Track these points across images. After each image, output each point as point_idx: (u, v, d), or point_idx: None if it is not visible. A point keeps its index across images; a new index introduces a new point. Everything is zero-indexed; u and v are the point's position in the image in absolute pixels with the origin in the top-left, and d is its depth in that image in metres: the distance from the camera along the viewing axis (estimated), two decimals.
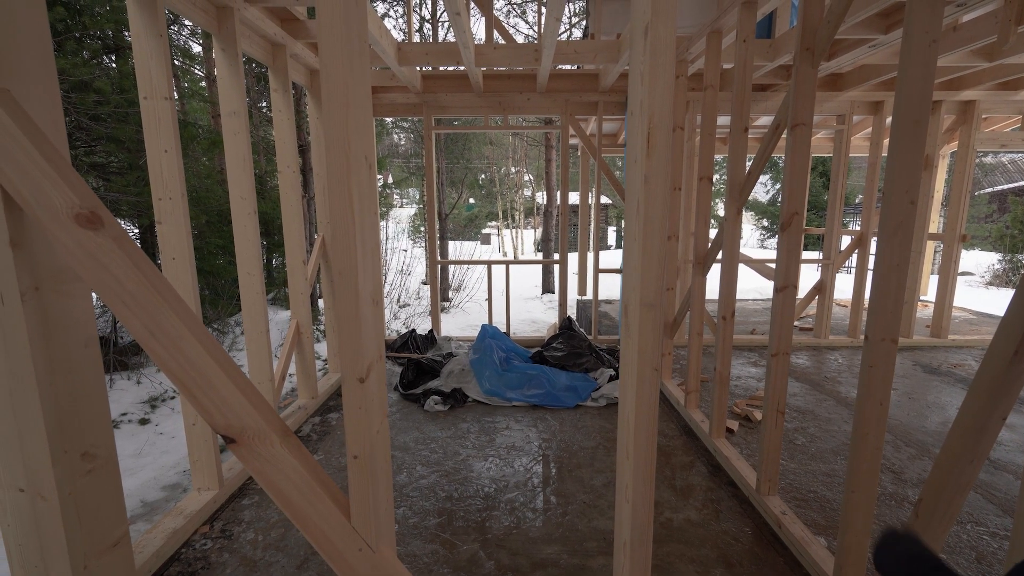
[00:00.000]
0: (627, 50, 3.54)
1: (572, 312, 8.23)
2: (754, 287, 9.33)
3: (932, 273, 8.64)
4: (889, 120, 5.33)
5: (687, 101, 3.74)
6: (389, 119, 14.57)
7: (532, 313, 8.53)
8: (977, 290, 10.60)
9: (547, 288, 10.36)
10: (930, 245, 6.95)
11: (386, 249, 10.48)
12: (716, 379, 2.94)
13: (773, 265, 5.35)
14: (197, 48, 8.30)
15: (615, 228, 22.05)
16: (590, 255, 6.06)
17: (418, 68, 4.59)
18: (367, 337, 0.97)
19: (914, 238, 5.40)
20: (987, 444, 1.21)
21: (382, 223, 12.86)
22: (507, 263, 5.52)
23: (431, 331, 5.14)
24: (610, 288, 8.90)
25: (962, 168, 5.00)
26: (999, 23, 3.15)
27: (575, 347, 4.34)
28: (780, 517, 2.27)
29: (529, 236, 21.29)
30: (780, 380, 2.33)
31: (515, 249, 16.36)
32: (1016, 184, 14.06)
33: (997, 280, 11.03)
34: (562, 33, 10.47)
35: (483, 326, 4.45)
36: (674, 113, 3.81)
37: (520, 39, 11.60)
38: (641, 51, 1.10)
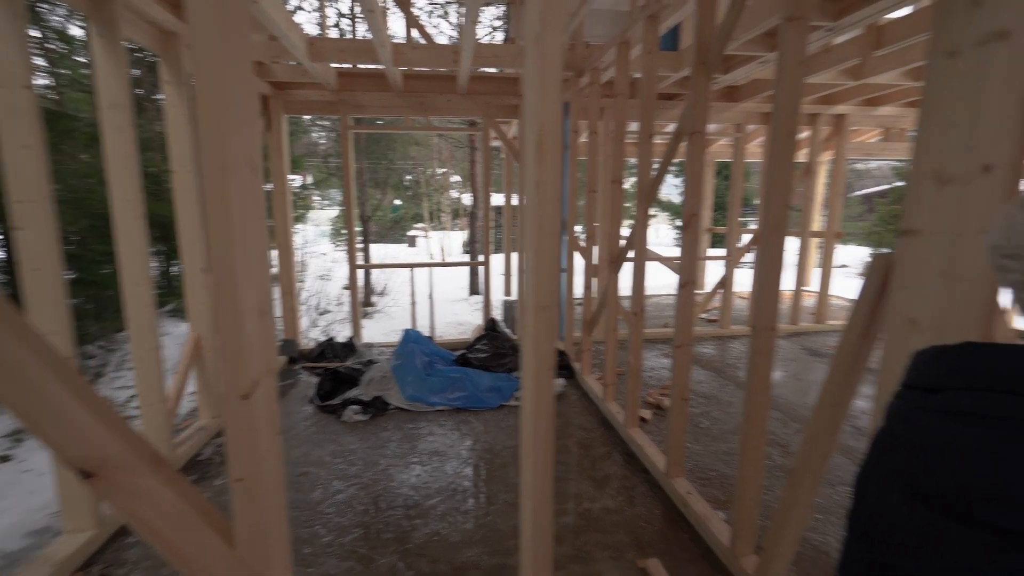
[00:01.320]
0: None
1: (498, 313, 8.30)
2: (670, 283, 9.92)
3: (816, 266, 9.75)
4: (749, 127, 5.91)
5: (600, 107, 3.90)
6: (307, 117, 13.85)
7: (459, 315, 8.49)
8: (852, 280, 12.06)
9: (474, 290, 10.36)
10: (814, 241, 7.74)
11: (302, 253, 9.96)
12: (630, 372, 3.10)
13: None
14: (79, 31, 7.38)
15: None
16: (515, 256, 6.15)
17: (333, 65, 4.40)
18: (250, 351, 0.91)
19: (802, 236, 6.02)
20: (843, 415, 1.38)
21: (300, 226, 12.19)
22: (430, 266, 5.44)
23: (351, 338, 4.95)
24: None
25: (837, 173, 5.65)
26: (861, 48, 3.60)
27: (499, 347, 4.37)
28: (686, 497, 2.43)
29: (457, 238, 21.19)
30: (684, 370, 2.50)
31: (442, 251, 16.20)
32: (881, 188, 16.20)
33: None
34: (484, 36, 10.52)
35: (405, 331, 4.36)
36: (593, 122, 3.97)
37: (443, 40, 11.50)
38: (531, 60, 1.12)
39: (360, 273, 9.61)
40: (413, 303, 5.35)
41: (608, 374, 3.60)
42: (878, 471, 0.61)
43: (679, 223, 22.99)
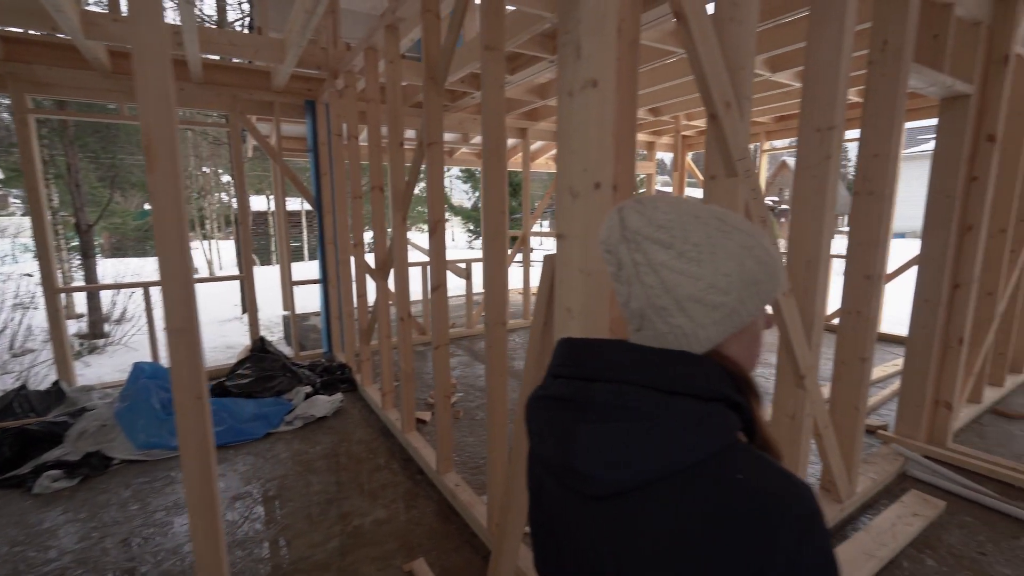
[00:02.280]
0: (293, 49, 3.37)
1: (277, 330, 7.49)
2: (458, 284, 10.37)
3: None
4: (535, 144, 6.70)
5: (360, 111, 3.82)
6: None
7: (229, 337, 7.37)
8: None
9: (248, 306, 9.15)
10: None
11: None
12: (403, 376, 3.12)
13: (463, 264, 5.99)
14: None
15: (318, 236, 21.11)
16: (294, 266, 5.61)
17: None
18: None
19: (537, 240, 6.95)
20: None
21: None
22: None
23: (57, 383, 3.83)
24: (314, 300, 8.46)
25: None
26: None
27: (266, 369, 3.94)
28: (454, 490, 2.56)
29: (231, 248, 18.38)
30: (443, 369, 2.62)
31: (209, 264, 13.83)
32: None
33: None
34: (236, 21, 9.30)
35: (136, 365, 3.57)
36: (352, 125, 3.84)
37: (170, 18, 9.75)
38: (135, 56, 1.01)
39: (81, 297, 7.52)
40: (151, 330, 4.42)
41: (385, 382, 3.56)
42: (531, 455, 0.69)
43: (471, 226, 24.27)
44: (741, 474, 0.50)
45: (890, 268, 5.44)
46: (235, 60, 5.11)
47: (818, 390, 2.11)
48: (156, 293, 4.67)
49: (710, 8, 1.46)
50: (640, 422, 0.52)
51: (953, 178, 2.65)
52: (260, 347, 4.41)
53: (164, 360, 4.86)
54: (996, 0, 2.52)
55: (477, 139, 6.46)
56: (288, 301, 6.17)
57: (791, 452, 2.10)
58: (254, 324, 4.74)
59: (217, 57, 4.25)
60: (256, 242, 18.04)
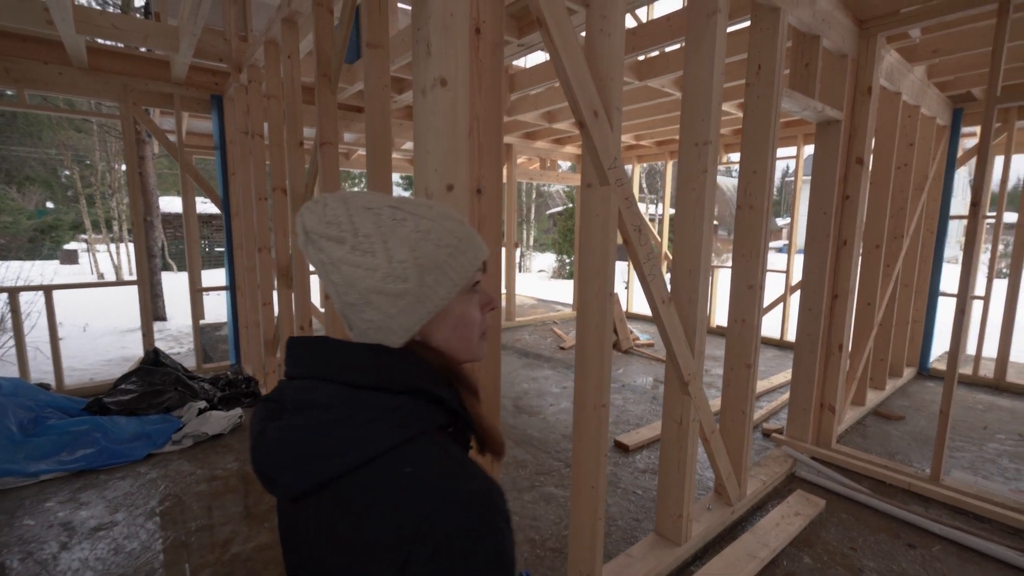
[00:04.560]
0: (187, 37, 3.14)
1: (187, 340, 6.94)
2: None
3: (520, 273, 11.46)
4: None
5: (264, 108, 3.62)
6: None
7: (129, 348, 6.73)
8: (547, 282, 14.74)
9: (157, 315, 8.43)
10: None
11: None
12: None
13: None
14: None
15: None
16: (213, 273, 5.20)
17: None
18: None
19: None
20: None
21: None
22: (47, 288, 4.10)
23: None
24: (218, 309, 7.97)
25: (510, 193, 6.74)
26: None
27: (154, 383, 3.60)
28: None
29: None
30: None
31: (117, 268, 12.65)
32: (559, 208, 20.45)
33: (555, 274, 15.87)
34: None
35: None
36: (257, 122, 3.64)
37: None
38: None
39: None
40: (18, 342, 3.93)
41: None
42: None
43: None
44: (410, 467, 0.49)
45: (796, 281, 5.84)
46: (124, 46, 4.73)
47: (703, 395, 2.18)
48: (65, 297, 4.17)
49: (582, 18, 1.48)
50: (321, 418, 0.50)
51: (829, 197, 2.86)
52: (152, 359, 4.03)
53: (38, 374, 4.36)
54: (859, 36, 2.77)
55: (408, 145, 6.35)
56: (195, 309, 5.73)
57: (679, 457, 2.15)
58: (148, 334, 4.34)
59: (109, 42, 3.90)
60: (175, 246, 16.79)
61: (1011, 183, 4.77)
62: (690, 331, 2.03)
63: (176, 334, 7.30)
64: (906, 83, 3.42)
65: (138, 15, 8.09)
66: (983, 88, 4.04)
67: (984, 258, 6.87)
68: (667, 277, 2.06)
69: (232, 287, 4.64)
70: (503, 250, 7.11)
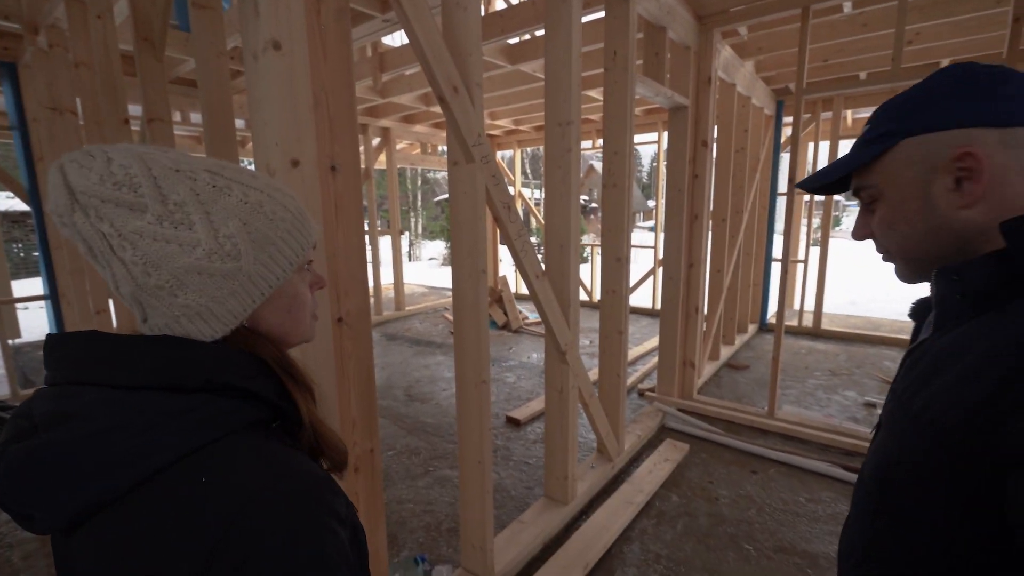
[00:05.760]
0: None
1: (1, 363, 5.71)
2: None
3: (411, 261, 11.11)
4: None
5: (73, 78, 3.03)
6: None
7: None
8: (437, 270, 14.60)
9: None
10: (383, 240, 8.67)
11: None
12: None
13: None
14: None
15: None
16: (24, 283, 4.25)
17: None
18: None
19: (370, 234, 6.64)
20: None
21: None
22: None
23: None
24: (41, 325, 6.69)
25: (391, 178, 6.50)
26: (371, 69, 4.10)
27: None
28: None
29: None
30: None
31: None
32: (447, 195, 20.35)
33: (445, 261, 15.79)
34: None
35: None
36: (66, 96, 3.01)
37: None
38: None
39: None
40: None
41: None
42: None
43: None
44: (207, 476, 0.42)
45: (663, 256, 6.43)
46: None
47: (580, 363, 2.32)
48: None
49: None
50: (84, 430, 0.41)
51: (681, 175, 3.19)
52: None
53: None
54: (699, 30, 3.09)
55: None
56: (3, 326, 4.71)
57: (561, 423, 2.27)
58: None
59: None
60: None
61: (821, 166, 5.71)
62: (564, 303, 2.14)
63: None
64: (739, 76, 3.90)
65: None
66: None
67: (804, 229, 8.19)
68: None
69: (54, 296, 3.89)
70: (389, 238, 6.87)
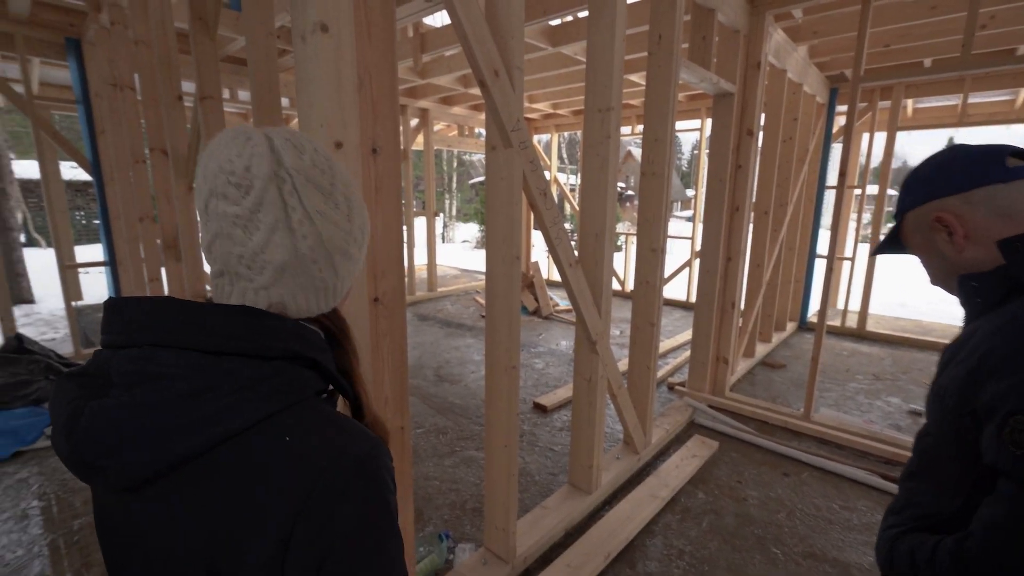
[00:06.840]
0: None
1: (62, 325, 6.14)
2: None
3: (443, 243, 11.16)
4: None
5: (132, 56, 3.16)
6: None
7: None
8: (471, 252, 14.69)
9: (22, 297, 7.33)
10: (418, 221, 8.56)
11: None
12: None
13: None
14: None
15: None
16: (88, 249, 4.54)
17: None
18: None
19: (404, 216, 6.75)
20: None
21: None
22: None
23: None
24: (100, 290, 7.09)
25: (428, 161, 6.53)
26: (412, 50, 4.10)
27: (18, 373, 3.15)
28: None
29: None
30: None
31: None
32: (482, 178, 20.34)
33: (479, 244, 15.87)
34: None
35: None
36: (126, 72, 3.17)
37: None
38: None
39: None
40: None
41: None
42: None
43: None
44: (290, 436, 0.46)
45: (700, 247, 6.26)
46: None
47: (610, 354, 2.30)
48: None
49: None
50: (174, 390, 0.44)
51: (724, 165, 3.07)
52: (15, 347, 3.53)
53: None
54: (750, 13, 2.94)
55: None
56: (67, 288, 5.04)
57: (588, 412, 2.27)
58: (6, 319, 3.77)
59: None
60: (42, 218, 14.55)
61: (879, 161, 5.39)
62: (597, 293, 2.12)
63: (48, 318, 6.42)
64: (791, 61, 3.70)
65: None
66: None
67: (853, 225, 7.79)
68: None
69: (112, 262, 4.13)
70: (424, 220, 6.95)
